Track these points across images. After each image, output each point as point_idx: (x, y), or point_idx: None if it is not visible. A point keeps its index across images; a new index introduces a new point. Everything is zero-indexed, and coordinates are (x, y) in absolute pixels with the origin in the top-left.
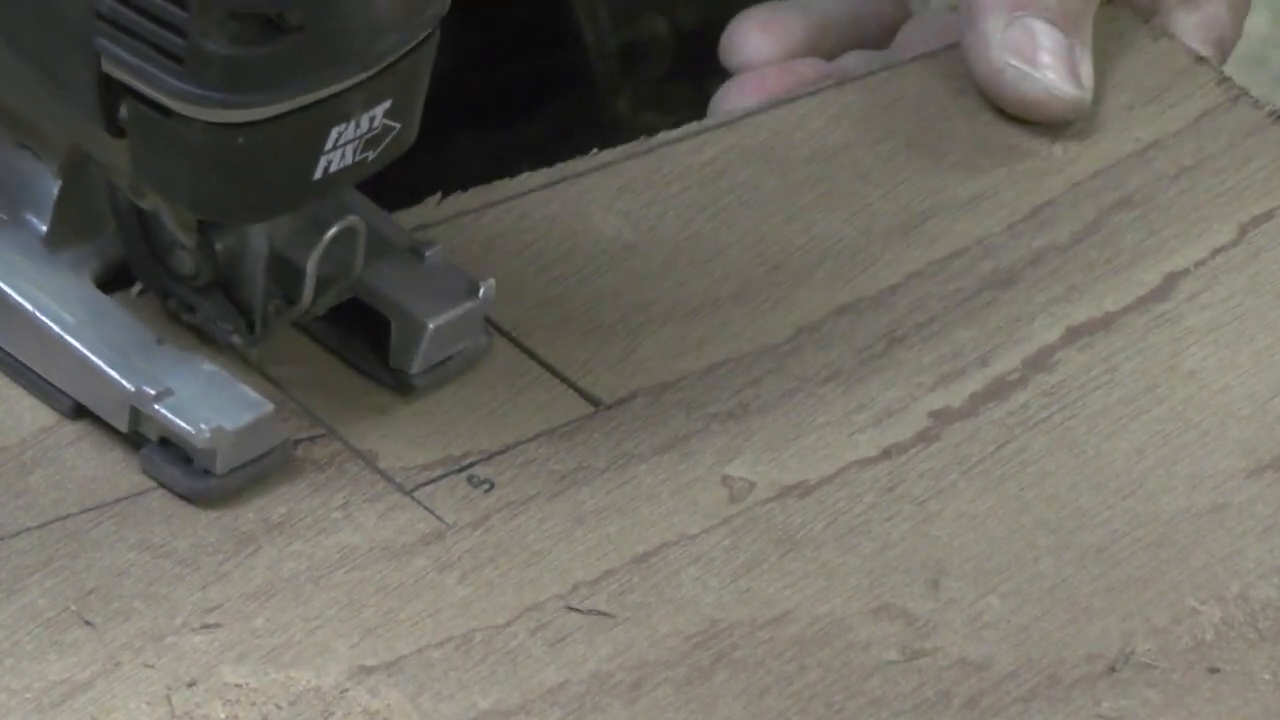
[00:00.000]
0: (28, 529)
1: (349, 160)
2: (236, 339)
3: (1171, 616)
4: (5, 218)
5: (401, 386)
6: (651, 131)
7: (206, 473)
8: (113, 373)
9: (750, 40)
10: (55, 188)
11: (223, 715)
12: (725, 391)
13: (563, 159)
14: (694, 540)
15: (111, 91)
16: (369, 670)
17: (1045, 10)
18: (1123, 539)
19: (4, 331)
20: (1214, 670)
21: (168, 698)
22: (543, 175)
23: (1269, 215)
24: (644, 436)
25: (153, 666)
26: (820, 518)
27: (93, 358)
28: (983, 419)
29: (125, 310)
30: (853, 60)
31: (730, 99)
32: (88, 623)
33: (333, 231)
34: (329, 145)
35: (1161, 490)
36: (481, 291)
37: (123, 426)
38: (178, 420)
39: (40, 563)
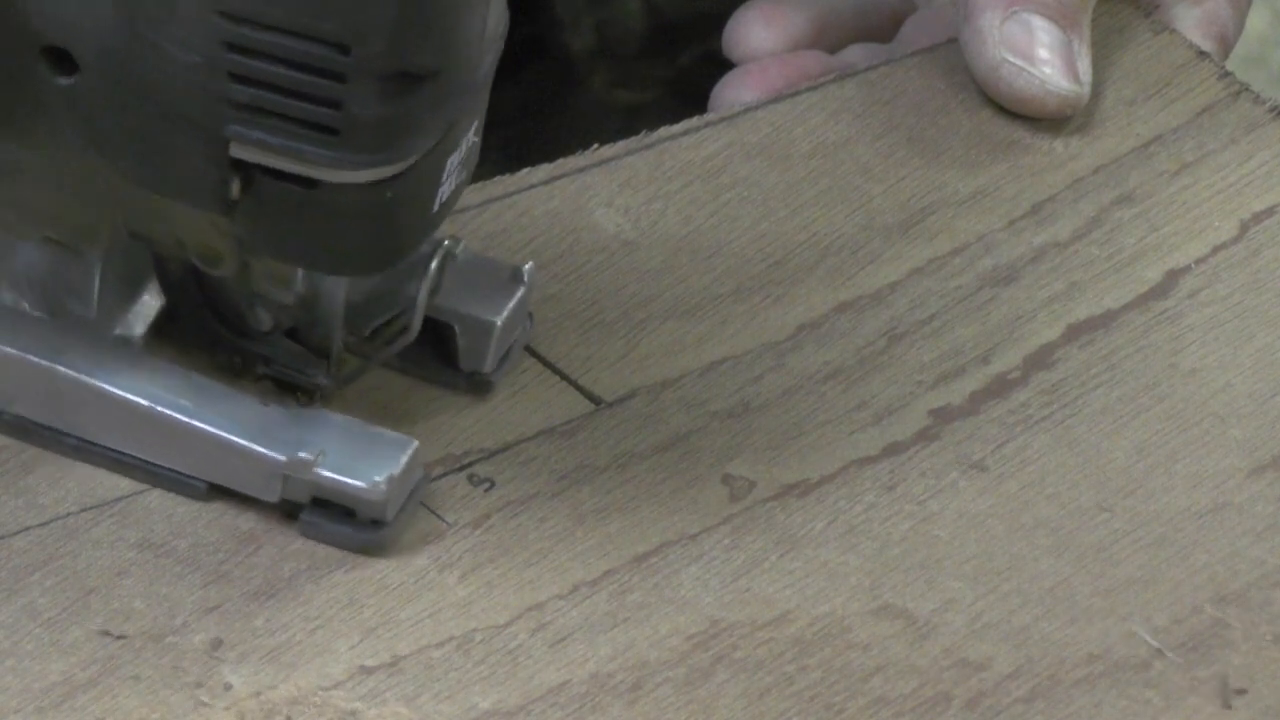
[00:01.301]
0: (28, 528)
1: (454, 185)
2: (322, 380)
3: (1171, 616)
4: (49, 316)
5: (480, 388)
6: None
7: (375, 522)
8: (258, 447)
9: (753, 32)
10: (96, 272)
11: (223, 715)
12: (726, 389)
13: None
14: (694, 539)
15: (234, 174)
16: (369, 670)
17: (1042, 5)
18: (1123, 538)
19: (112, 428)
20: (1214, 670)
21: (168, 698)
22: (543, 171)
23: (1270, 212)
24: (644, 435)
25: (153, 666)
26: (821, 517)
27: (230, 437)
28: (983, 417)
29: (213, 379)
30: (856, 53)
31: (732, 90)
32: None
33: (436, 261)
34: (444, 176)
35: (1162, 489)
36: (526, 275)
37: (272, 497)
38: (344, 479)
39: (40, 562)
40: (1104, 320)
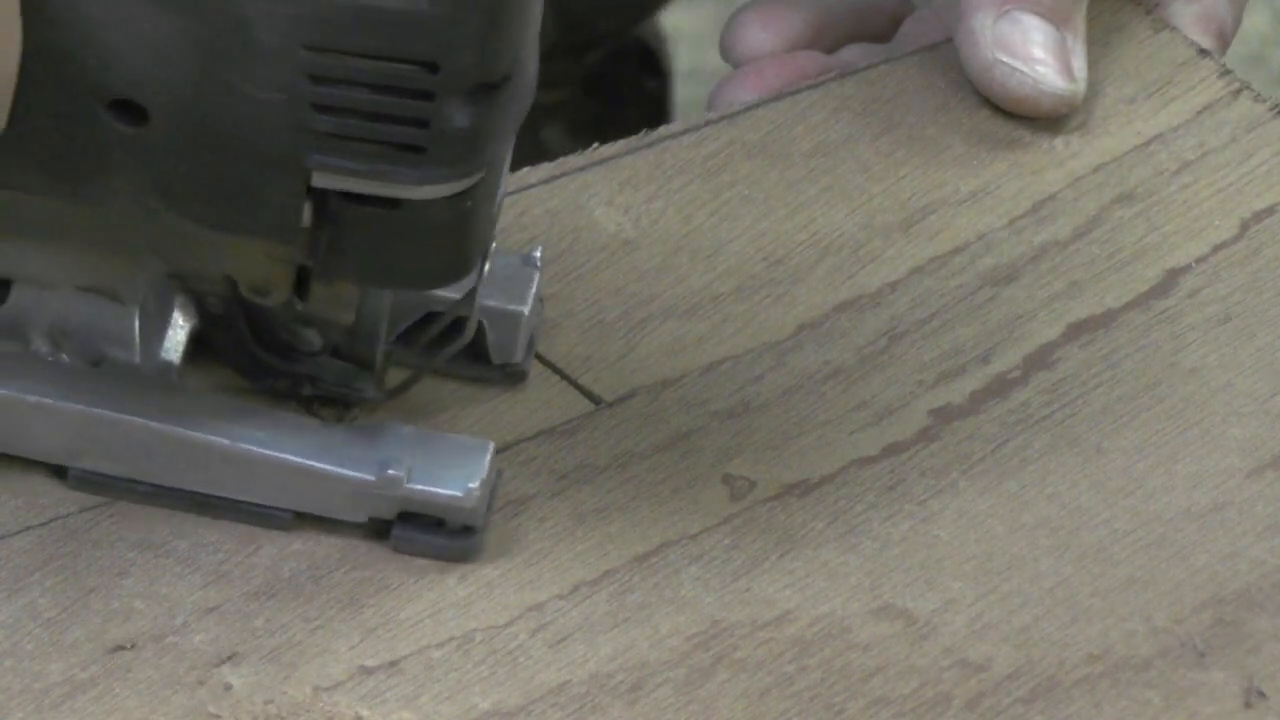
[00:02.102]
0: (28, 528)
1: (504, 183)
2: (371, 393)
3: (1172, 616)
4: (90, 365)
5: (514, 378)
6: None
7: (466, 529)
8: (345, 470)
9: (750, 33)
10: (135, 317)
11: (223, 715)
12: (726, 389)
13: None
14: (694, 539)
15: (310, 203)
16: (369, 670)
17: (1035, 4)
18: (1123, 538)
19: (188, 470)
20: (1214, 671)
21: (168, 698)
22: (543, 170)
23: (1270, 211)
24: (644, 435)
25: (153, 666)
26: (821, 517)
27: (315, 463)
28: (984, 417)
29: (274, 407)
30: (853, 53)
31: (730, 92)
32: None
33: (487, 268)
34: (503, 176)
35: (1162, 489)
36: (538, 260)
37: (360, 518)
38: (435, 489)
39: (40, 562)
40: (1104, 319)
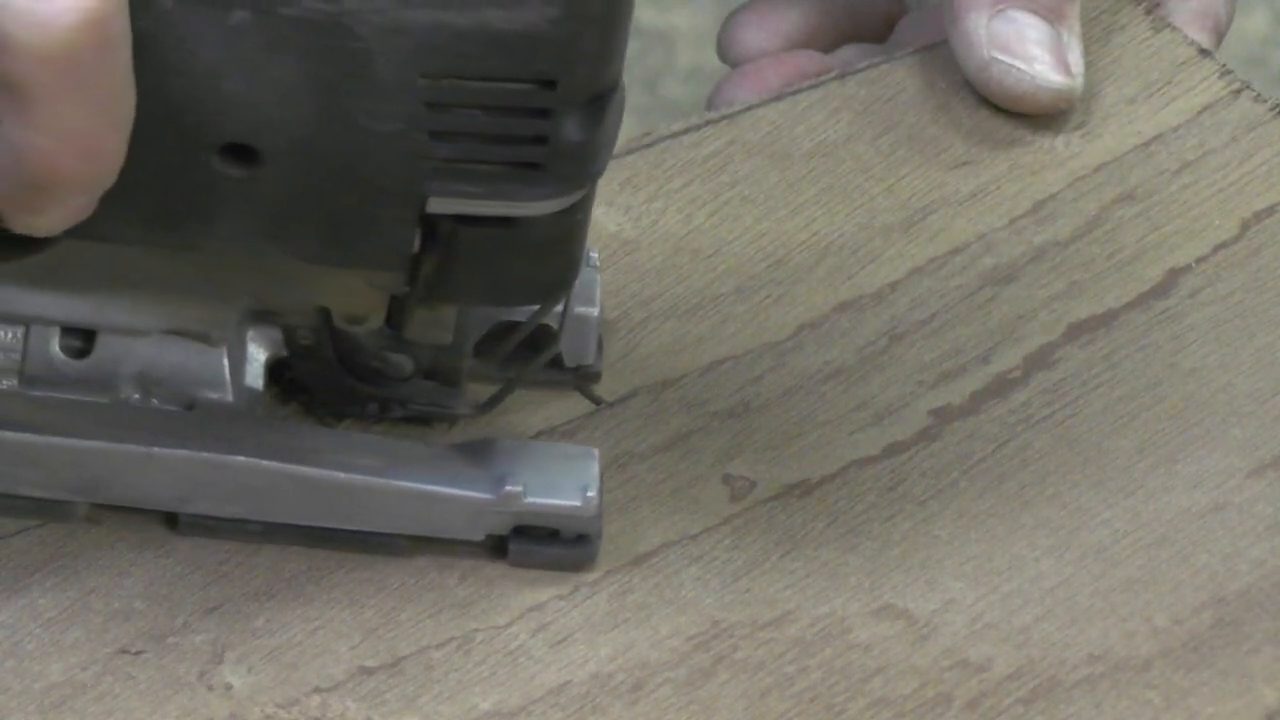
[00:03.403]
0: (28, 528)
1: None
2: (464, 409)
3: (1172, 617)
4: (184, 408)
5: (589, 379)
6: None
7: (580, 537)
8: (462, 491)
9: (747, 33)
10: (225, 356)
11: (223, 715)
12: (726, 389)
13: None
14: (695, 539)
15: (421, 229)
16: (370, 671)
17: (1029, 1)
18: (1123, 539)
19: (302, 506)
20: (1214, 671)
21: (169, 698)
22: None
23: (1271, 211)
24: (644, 435)
25: (154, 666)
26: (821, 517)
27: (432, 488)
28: (984, 417)
29: (375, 435)
30: (851, 53)
31: (729, 92)
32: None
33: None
34: None
35: (1162, 489)
36: (594, 260)
37: (478, 536)
38: (552, 501)
39: (41, 562)
40: (1105, 319)
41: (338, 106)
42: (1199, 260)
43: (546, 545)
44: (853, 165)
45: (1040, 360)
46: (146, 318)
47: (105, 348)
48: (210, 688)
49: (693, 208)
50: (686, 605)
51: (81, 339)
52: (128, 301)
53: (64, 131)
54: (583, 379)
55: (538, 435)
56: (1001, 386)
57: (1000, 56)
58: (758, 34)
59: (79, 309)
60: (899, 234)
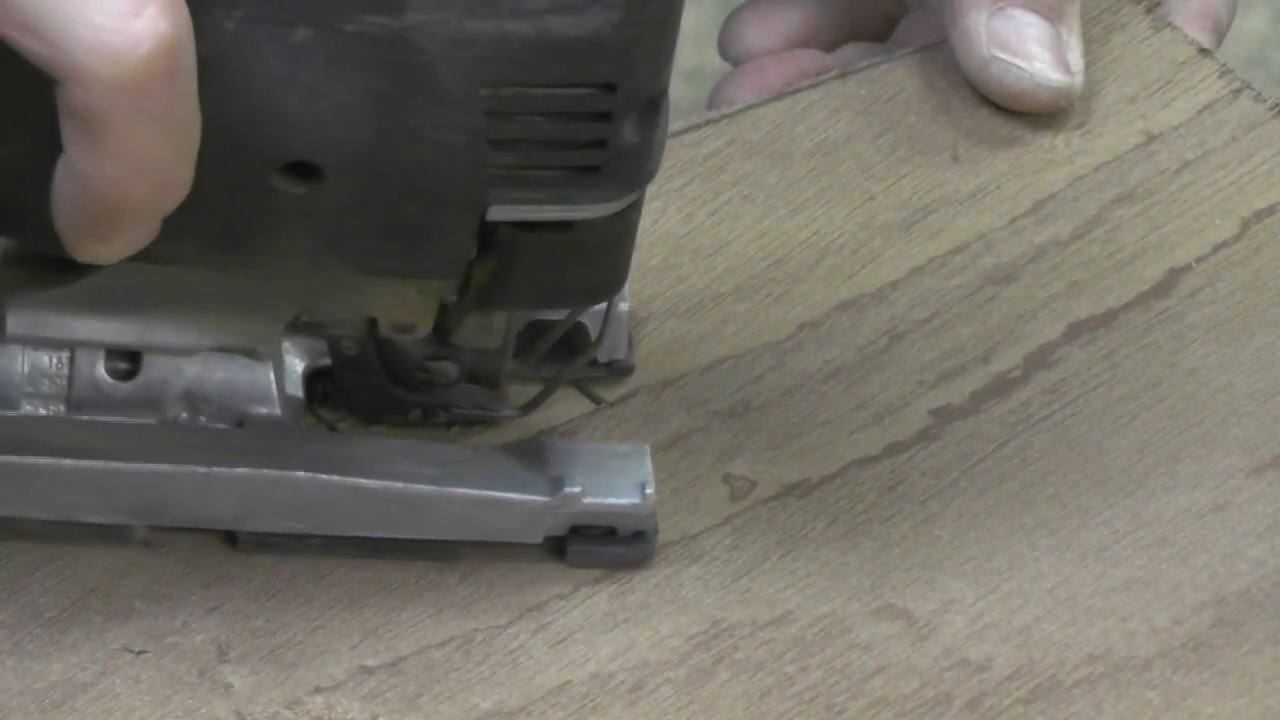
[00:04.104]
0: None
1: None
2: (508, 412)
3: (1172, 617)
4: (233, 425)
5: (622, 373)
6: None
7: (637, 534)
8: (519, 495)
9: (748, 32)
10: (272, 371)
11: (224, 715)
12: (726, 389)
13: None
14: (695, 539)
15: (479, 237)
16: (370, 671)
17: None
18: (1123, 539)
19: (361, 517)
20: (1214, 671)
21: (169, 698)
22: None
23: (1271, 210)
24: (644, 434)
25: (153, 666)
26: (821, 517)
27: (489, 493)
28: (984, 417)
29: (422, 441)
30: (851, 53)
31: (729, 91)
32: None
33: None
34: None
35: (1162, 489)
36: None
37: (536, 538)
38: (610, 500)
39: (41, 562)
40: (1105, 319)
41: (399, 120)
42: (1199, 260)
43: (605, 545)
44: (853, 165)
45: (1040, 360)
46: (194, 336)
47: (152, 368)
48: (210, 688)
49: (693, 207)
50: (686, 605)
51: (127, 361)
52: (175, 320)
53: (135, 160)
54: (616, 374)
55: (538, 435)
56: (1001, 386)
57: (1000, 55)
58: (758, 33)
59: (126, 331)
60: (899, 233)
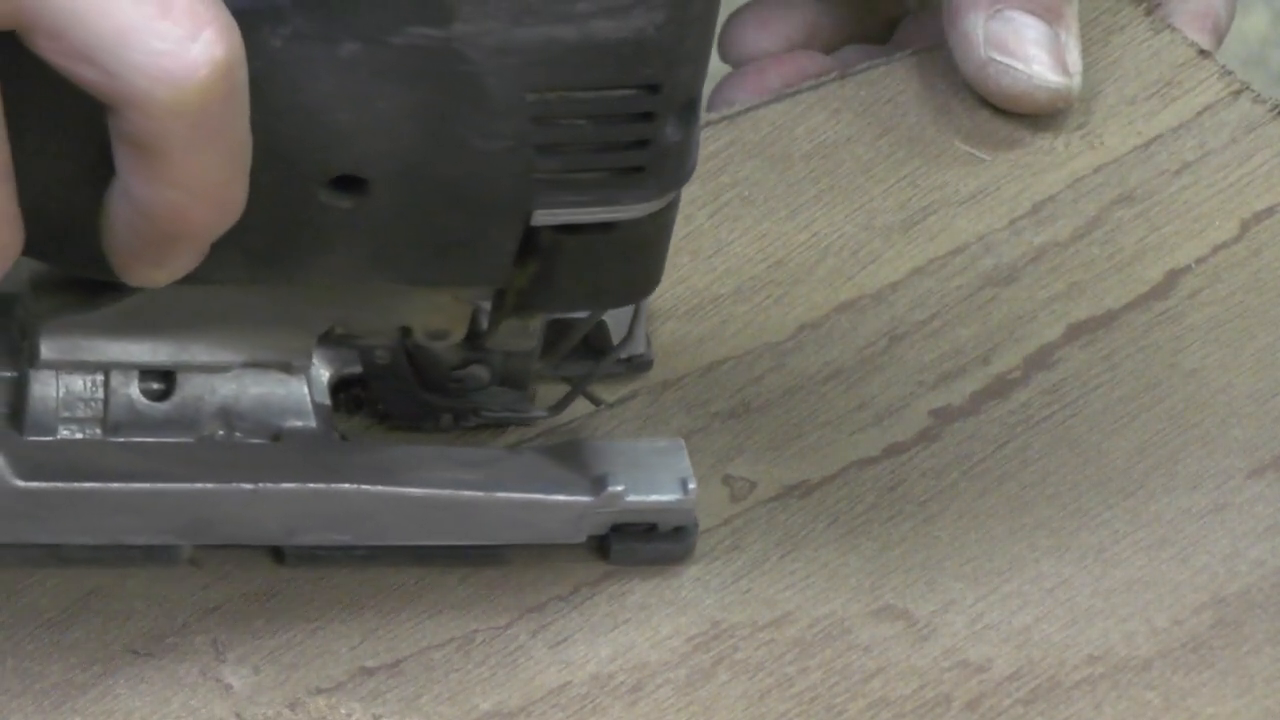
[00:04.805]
0: None
1: None
2: (539, 413)
3: (1172, 617)
4: (271, 439)
5: (642, 368)
6: None
7: (678, 529)
8: (565, 496)
9: (748, 34)
10: (305, 383)
11: (224, 715)
12: (726, 389)
13: None
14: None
15: (521, 241)
16: (370, 671)
17: (1026, 1)
18: (1123, 539)
19: (405, 526)
20: (1214, 672)
21: (169, 699)
22: None
23: (1271, 211)
24: (644, 435)
25: (153, 667)
26: (821, 517)
27: (533, 495)
28: (984, 417)
29: (460, 446)
30: (851, 54)
31: (729, 92)
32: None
33: None
34: None
35: (1162, 490)
36: None
37: (580, 538)
38: (652, 497)
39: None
40: (1104, 320)
41: (445, 129)
42: (1199, 261)
43: (647, 541)
44: (853, 166)
45: (1040, 361)
46: (228, 352)
47: (186, 387)
48: (210, 688)
49: (693, 208)
50: (686, 605)
51: (161, 380)
52: (209, 338)
53: (194, 183)
54: (634, 369)
55: (538, 437)
56: (1001, 387)
57: (998, 57)
58: (759, 34)
59: (160, 350)
60: (899, 234)
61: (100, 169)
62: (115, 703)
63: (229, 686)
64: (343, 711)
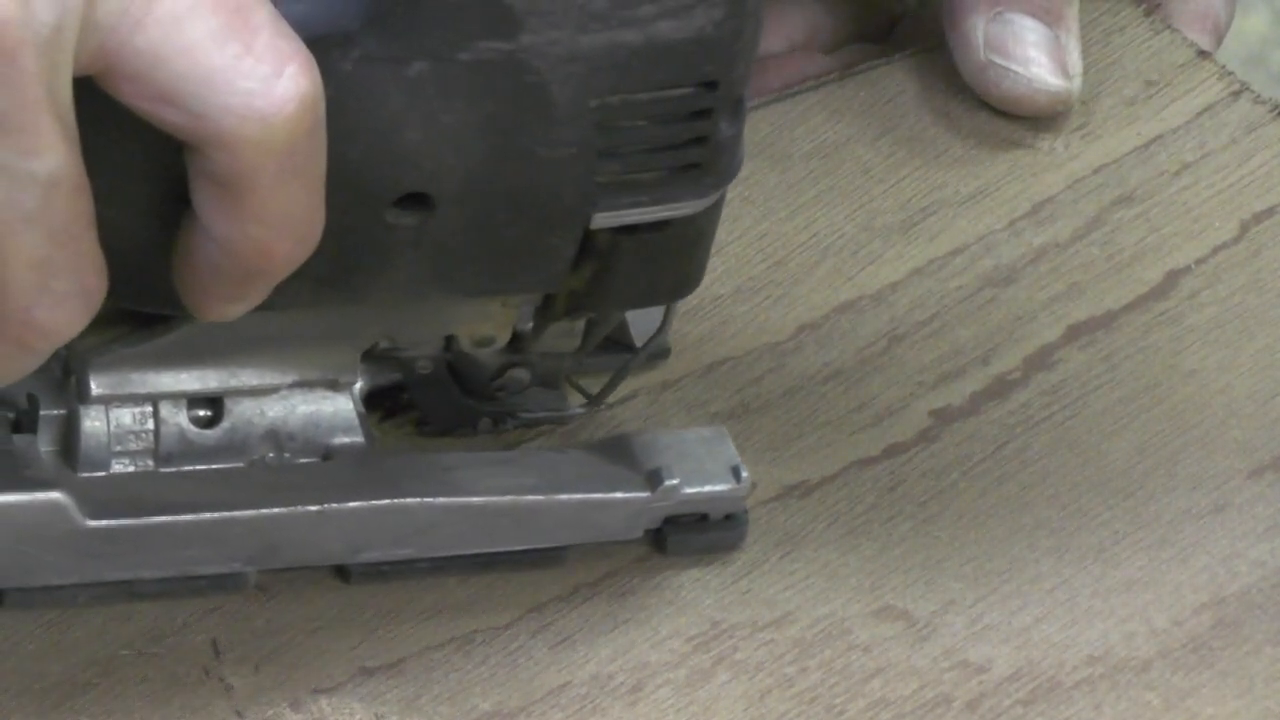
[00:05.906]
0: None
1: None
2: (577, 410)
3: (1172, 618)
4: (322, 458)
5: (661, 356)
6: None
7: (728, 517)
8: (620, 493)
9: None
10: (353, 399)
11: (224, 715)
12: (726, 390)
13: None
14: None
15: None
16: (369, 671)
17: (1026, 3)
18: (1123, 540)
19: (466, 535)
20: (1214, 672)
21: (169, 699)
22: None
23: (1270, 212)
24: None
25: (153, 667)
26: (821, 517)
27: (590, 495)
28: (984, 418)
29: (514, 450)
30: (851, 55)
31: None
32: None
33: None
34: None
35: (1162, 491)
36: None
37: (636, 534)
38: (707, 488)
39: None
40: (1104, 321)
41: (511, 141)
42: (1198, 262)
43: (700, 532)
44: (853, 166)
45: (1040, 361)
46: (276, 374)
47: (235, 412)
48: (210, 688)
49: None
50: (686, 606)
51: (209, 407)
52: (257, 361)
53: (279, 218)
54: (653, 357)
55: (537, 437)
56: (1001, 388)
57: (997, 59)
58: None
59: (209, 377)
60: (899, 235)
61: (167, 206)
62: (115, 703)
63: (229, 686)
64: (348, 712)
